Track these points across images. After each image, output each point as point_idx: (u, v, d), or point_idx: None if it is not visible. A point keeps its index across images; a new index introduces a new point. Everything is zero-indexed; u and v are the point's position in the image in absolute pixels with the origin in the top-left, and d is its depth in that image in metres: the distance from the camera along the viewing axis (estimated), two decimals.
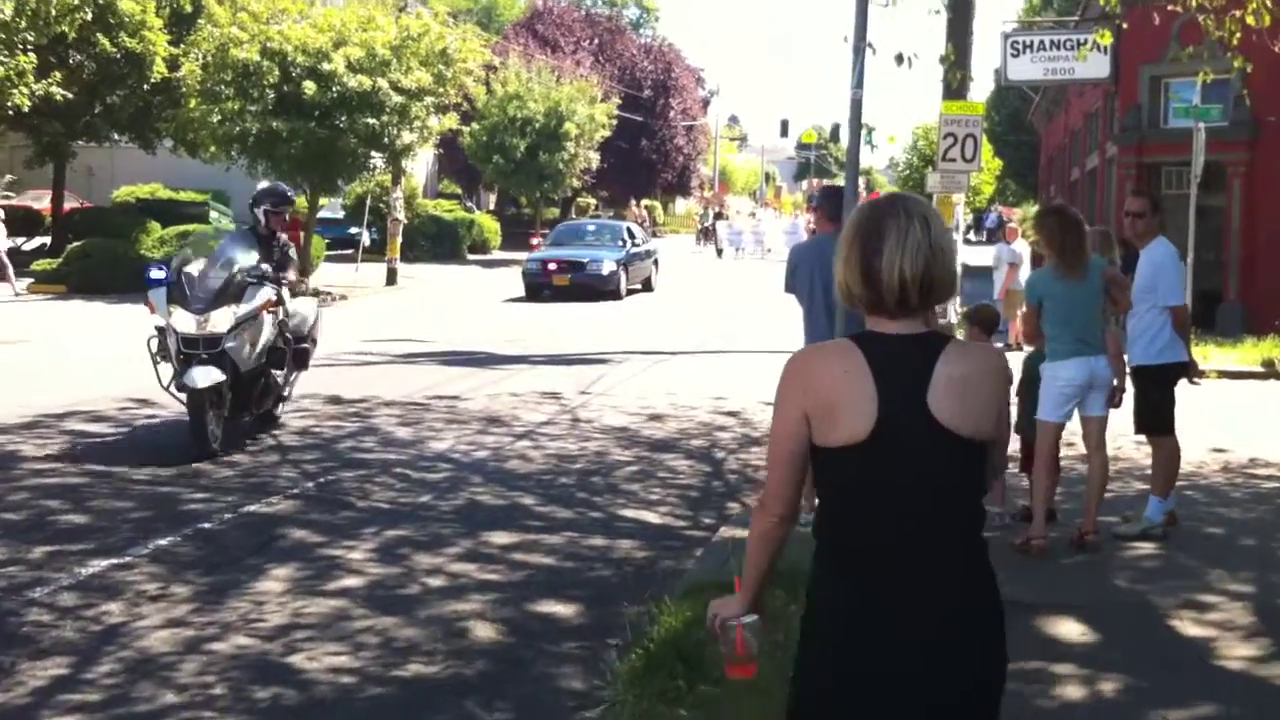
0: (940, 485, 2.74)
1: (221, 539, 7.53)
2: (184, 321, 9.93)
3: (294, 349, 11.23)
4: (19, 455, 9.78)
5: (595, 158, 47.52)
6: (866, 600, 2.70)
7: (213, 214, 37.29)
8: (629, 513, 8.65)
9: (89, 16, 20.85)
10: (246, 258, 10.46)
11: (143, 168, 43.54)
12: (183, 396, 9.84)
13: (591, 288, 28.23)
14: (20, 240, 35.93)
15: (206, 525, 7.78)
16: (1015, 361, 8.34)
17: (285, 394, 11.35)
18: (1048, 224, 7.57)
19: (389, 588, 6.75)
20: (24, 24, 16.75)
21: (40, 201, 38.09)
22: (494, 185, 53.22)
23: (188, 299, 10.04)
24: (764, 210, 73.70)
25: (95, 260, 27.46)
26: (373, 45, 27.45)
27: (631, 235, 32.41)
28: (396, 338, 19.49)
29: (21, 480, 8.95)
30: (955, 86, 18.07)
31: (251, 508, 8.25)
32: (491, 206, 58.90)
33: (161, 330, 10.15)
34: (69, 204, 38.87)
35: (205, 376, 9.67)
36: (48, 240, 33.41)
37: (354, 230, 35.81)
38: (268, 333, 10.46)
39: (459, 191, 59.40)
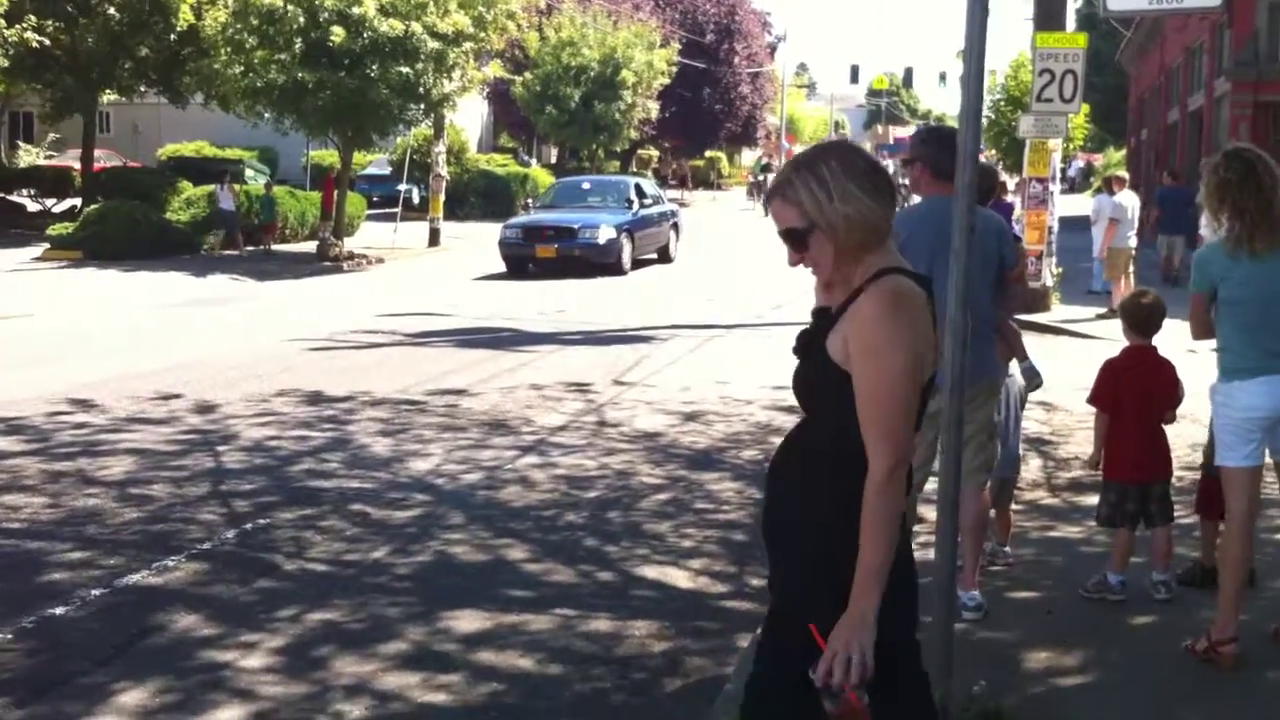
0: None
1: (70, 634, 5.41)
2: None
3: None
4: None
5: (655, 107, 45.16)
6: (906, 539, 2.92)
7: (249, 172, 35.40)
8: (650, 571, 6.46)
9: None
10: None
11: (189, 125, 42.03)
12: None
13: (584, 260, 23.39)
14: (50, 202, 34.41)
15: (59, 610, 5.66)
16: (1120, 330, 6.06)
17: None
18: (1229, 175, 5.10)
19: None
20: None
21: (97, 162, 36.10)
22: (550, 138, 51.01)
23: None
24: None
25: (112, 224, 25.62)
26: None
27: (641, 194, 26.78)
28: (417, 310, 17.42)
29: None
30: None
31: (135, 577, 6.12)
32: (553, 160, 56.62)
33: None
34: (109, 164, 37.34)
35: None
36: (78, 202, 31.65)
37: (402, 187, 33.83)
38: None
39: (516, 146, 57.29)
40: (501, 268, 24.00)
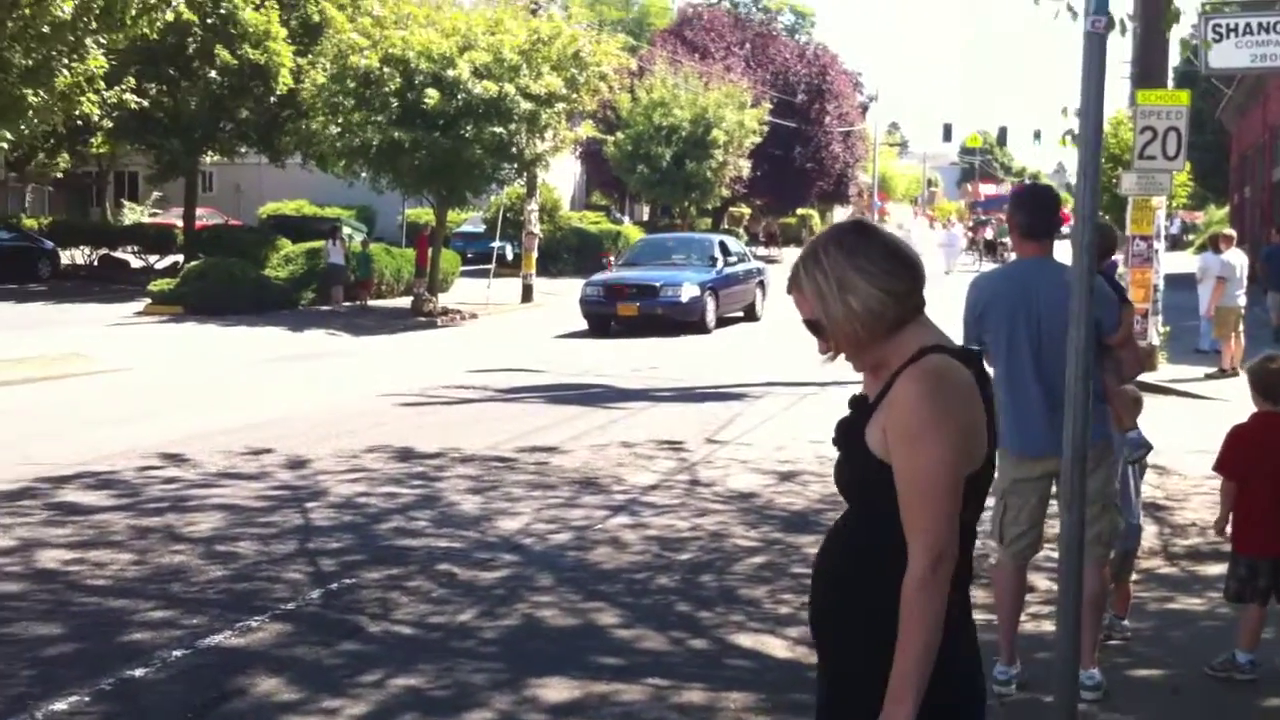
0: None
1: (148, 697, 5.28)
2: None
3: None
4: None
5: (746, 165, 45.05)
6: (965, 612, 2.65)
7: (346, 230, 35.86)
8: (745, 639, 6.19)
9: (170, 17, 19.11)
10: None
11: (289, 185, 42.86)
12: None
13: (667, 319, 22.85)
14: (153, 258, 35.22)
15: (139, 672, 5.53)
16: (1231, 389, 5.73)
17: None
18: None
19: None
20: (93, 24, 15.08)
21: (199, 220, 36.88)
22: (642, 196, 51.21)
23: None
24: (916, 220, 69.42)
25: (212, 281, 26.05)
26: (500, 49, 25.49)
27: (726, 251, 26.18)
28: (508, 366, 17.35)
29: None
30: (1167, 28, 14.81)
31: (218, 638, 5.99)
32: (645, 218, 56.82)
33: None
34: (211, 222, 38.14)
35: None
36: (180, 258, 32.33)
37: (495, 244, 34.12)
38: None
39: (609, 204, 57.59)
40: (585, 325, 23.80)
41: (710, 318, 23.75)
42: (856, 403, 2.72)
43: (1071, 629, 3.85)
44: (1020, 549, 5.34)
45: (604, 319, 23.51)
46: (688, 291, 23.30)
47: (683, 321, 23.06)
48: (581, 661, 5.79)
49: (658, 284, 23.40)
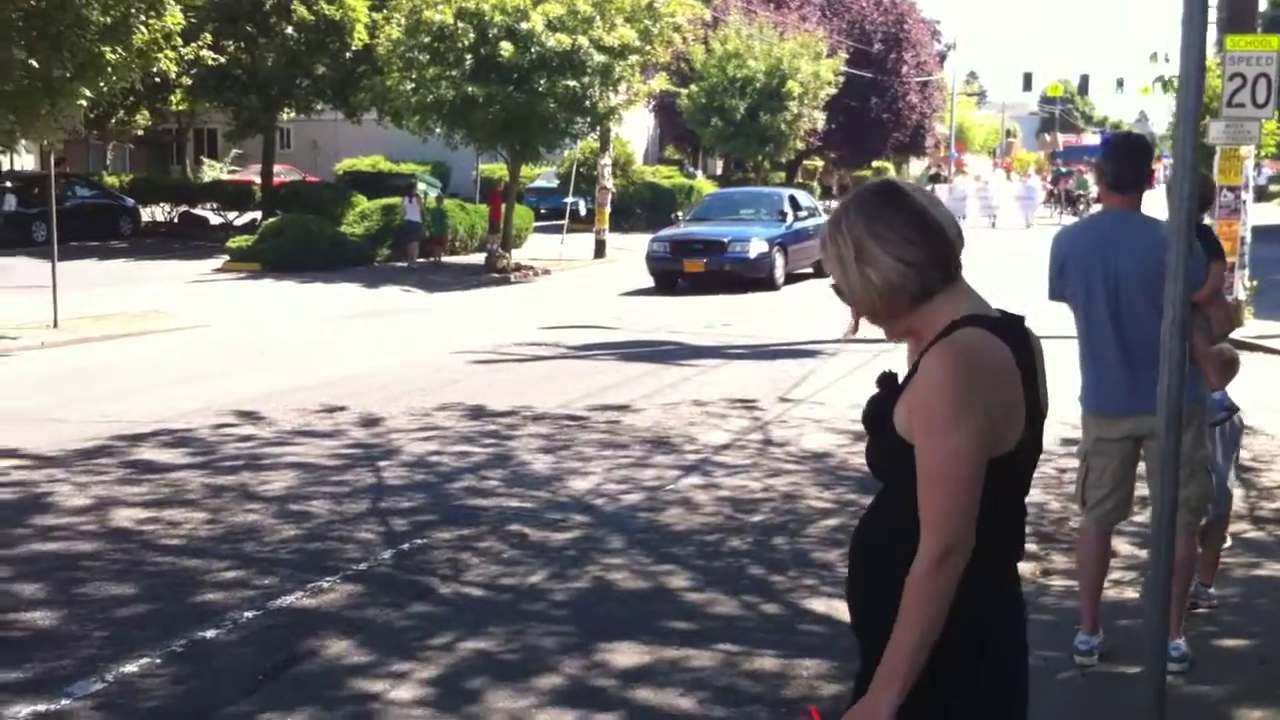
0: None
1: (219, 659, 5.30)
2: None
3: None
4: (47, 500, 7.84)
5: (821, 118, 44.44)
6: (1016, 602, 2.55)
7: (420, 186, 35.97)
8: (818, 604, 6.10)
9: None
10: None
11: (365, 141, 43.04)
12: None
13: (735, 275, 22.42)
14: (232, 215, 35.60)
15: (210, 634, 5.55)
16: None
17: None
18: None
19: None
20: None
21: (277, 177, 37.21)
22: (715, 150, 50.76)
23: None
24: (994, 171, 67.98)
25: (289, 237, 26.26)
26: (574, 1, 25.29)
27: (796, 206, 25.39)
28: (580, 323, 17.29)
29: (19, 545, 6.91)
30: None
31: (289, 599, 6.00)
32: (718, 172, 56.39)
33: None
34: (288, 178, 38.48)
35: None
36: (258, 215, 32.66)
37: (568, 200, 34.04)
38: None
39: (682, 158, 57.23)
40: (652, 282, 23.51)
41: (779, 274, 23.33)
42: (885, 381, 2.57)
43: (1161, 599, 3.70)
44: (1104, 513, 5.17)
45: (670, 275, 23.19)
46: (756, 247, 22.88)
47: (751, 278, 22.68)
48: (652, 626, 5.73)
49: (726, 240, 23.01)
